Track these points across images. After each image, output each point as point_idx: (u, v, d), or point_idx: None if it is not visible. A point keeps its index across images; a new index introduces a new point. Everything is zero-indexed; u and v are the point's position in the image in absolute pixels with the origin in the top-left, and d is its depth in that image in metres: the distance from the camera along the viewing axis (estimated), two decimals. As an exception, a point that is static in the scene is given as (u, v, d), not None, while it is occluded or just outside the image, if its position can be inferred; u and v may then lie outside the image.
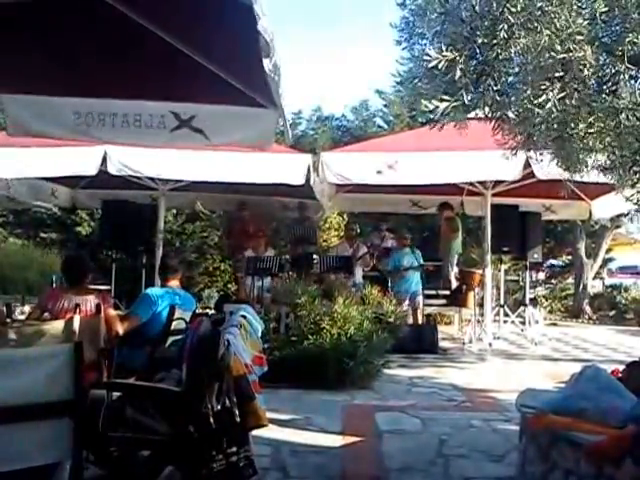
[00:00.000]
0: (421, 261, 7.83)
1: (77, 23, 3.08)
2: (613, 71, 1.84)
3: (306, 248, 8.08)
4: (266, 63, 2.45)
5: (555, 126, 1.99)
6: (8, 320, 3.55)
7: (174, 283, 3.97)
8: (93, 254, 9.59)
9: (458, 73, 1.80)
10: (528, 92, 1.87)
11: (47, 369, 2.03)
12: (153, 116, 3.70)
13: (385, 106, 14.96)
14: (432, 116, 1.95)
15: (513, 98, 1.97)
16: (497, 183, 7.52)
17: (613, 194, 4.79)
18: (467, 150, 5.88)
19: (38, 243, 12.40)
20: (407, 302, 7.46)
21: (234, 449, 2.28)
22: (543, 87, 1.82)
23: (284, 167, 6.19)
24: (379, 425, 3.93)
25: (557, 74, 1.80)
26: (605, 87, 1.88)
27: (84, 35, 3.17)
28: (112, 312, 3.49)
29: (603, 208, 8.55)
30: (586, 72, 1.76)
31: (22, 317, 3.68)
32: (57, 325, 2.98)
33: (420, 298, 7.72)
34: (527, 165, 5.58)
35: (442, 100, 1.86)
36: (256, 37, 2.31)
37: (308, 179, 6.21)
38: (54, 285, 5.13)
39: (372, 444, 3.56)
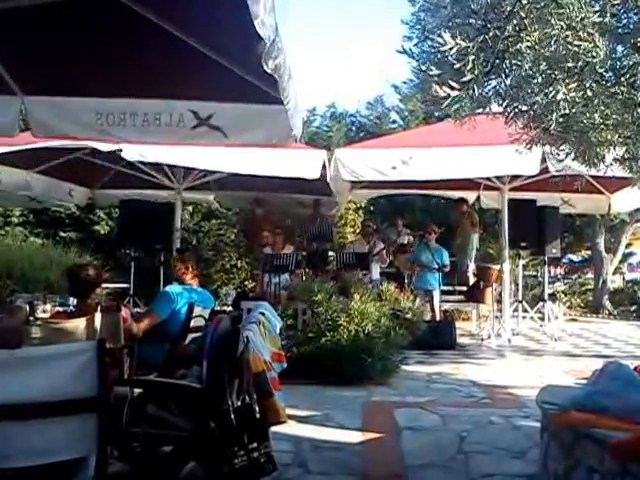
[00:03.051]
0: (445, 261, 7.75)
1: (96, 25, 3.13)
2: (631, 63, 1.82)
3: (322, 245, 8.09)
4: (267, 65, 2.44)
5: (569, 118, 1.97)
6: (31, 318, 3.62)
7: (193, 281, 4.00)
8: (112, 253, 9.73)
9: (470, 64, 1.78)
10: (539, 80, 1.85)
11: (72, 366, 2.07)
12: (173, 115, 3.74)
13: (400, 101, 14.86)
14: (443, 104, 1.91)
15: (527, 91, 1.95)
16: (514, 177, 7.46)
17: (633, 187, 4.71)
18: (483, 145, 5.84)
19: (57, 242, 12.57)
20: (421, 298, 7.43)
21: (254, 445, 2.31)
22: (556, 78, 1.80)
23: (299, 161, 6.20)
24: (398, 422, 3.93)
25: (569, 64, 1.78)
26: (623, 79, 1.86)
27: (104, 37, 3.23)
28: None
29: (623, 201, 8.41)
30: (598, 63, 1.74)
31: (44, 315, 3.74)
32: (79, 323, 3.03)
33: (436, 294, 7.69)
34: (544, 159, 5.53)
35: (454, 88, 1.83)
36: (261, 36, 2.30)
37: (323, 174, 6.22)
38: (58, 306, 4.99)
39: (391, 440, 3.57)
